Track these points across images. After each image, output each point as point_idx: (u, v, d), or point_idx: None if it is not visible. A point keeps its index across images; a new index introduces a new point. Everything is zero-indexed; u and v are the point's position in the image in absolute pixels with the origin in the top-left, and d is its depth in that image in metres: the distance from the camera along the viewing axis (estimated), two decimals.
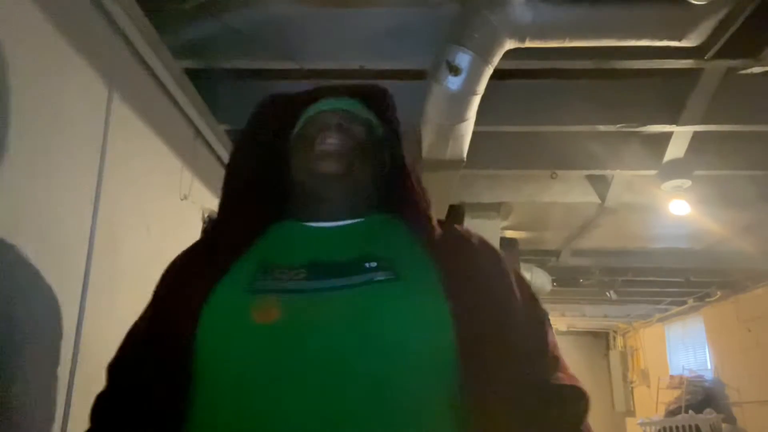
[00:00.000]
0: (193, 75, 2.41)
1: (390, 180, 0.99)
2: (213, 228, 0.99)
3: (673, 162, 3.26)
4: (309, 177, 0.93)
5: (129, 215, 2.04)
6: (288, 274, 0.79)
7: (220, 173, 3.17)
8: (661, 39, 2.11)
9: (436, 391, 0.73)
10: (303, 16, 2.31)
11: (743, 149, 3.25)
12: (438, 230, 0.91)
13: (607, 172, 3.68)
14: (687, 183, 3.34)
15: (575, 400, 0.85)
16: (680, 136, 3.07)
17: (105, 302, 1.85)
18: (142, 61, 2.09)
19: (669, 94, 2.82)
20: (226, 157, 2.91)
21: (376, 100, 1.05)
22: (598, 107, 2.88)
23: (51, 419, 1.60)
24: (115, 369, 0.91)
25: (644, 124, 2.92)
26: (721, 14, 2.03)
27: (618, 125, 2.90)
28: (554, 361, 0.87)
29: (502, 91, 2.75)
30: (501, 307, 0.83)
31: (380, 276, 0.78)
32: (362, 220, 0.92)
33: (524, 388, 0.79)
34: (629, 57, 2.39)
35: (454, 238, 0.92)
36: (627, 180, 3.73)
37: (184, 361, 0.74)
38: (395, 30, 2.31)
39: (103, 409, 0.87)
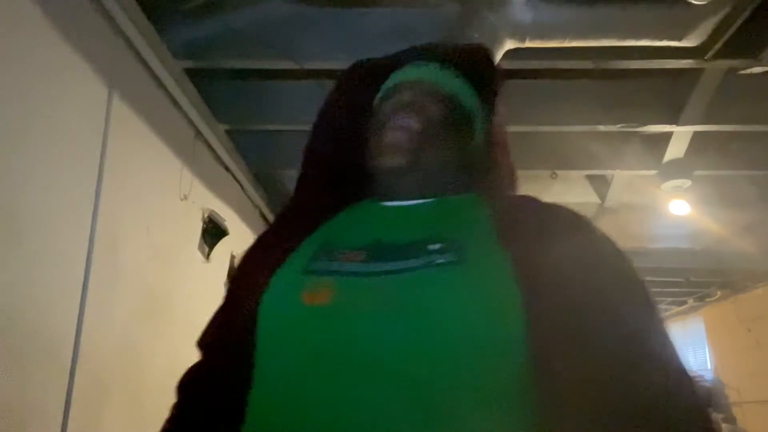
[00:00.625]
0: (193, 75, 2.41)
1: (476, 154, 0.91)
2: (289, 203, 0.94)
3: (673, 162, 3.27)
4: (376, 165, 0.88)
5: (129, 215, 2.04)
6: (347, 255, 0.75)
7: (221, 173, 3.18)
8: (661, 39, 2.11)
9: (494, 391, 0.63)
10: (303, 16, 2.30)
11: (743, 149, 3.25)
12: (517, 208, 0.82)
13: (607, 172, 3.68)
14: (687, 183, 3.34)
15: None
16: (680, 136, 3.07)
17: (105, 302, 1.85)
18: (142, 61, 2.09)
19: (669, 94, 2.82)
20: (226, 157, 2.91)
21: (473, 64, 0.94)
22: (598, 107, 2.88)
23: (51, 419, 1.60)
24: (201, 346, 0.88)
25: (644, 124, 2.92)
26: (721, 14, 2.03)
27: (618, 125, 2.90)
28: (663, 364, 0.68)
29: (503, 92, 2.74)
30: (588, 297, 0.68)
31: (441, 259, 0.71)
32: (434, 199, 0.86)
33: (615, 400, 0.63)
34: (629, 57, 2.39)
35: (534, 214, 0.81)
36: (627, 180, 3.73)
37: (248, 343, 0.72)
38: (395, 30, 2.31)
39: (191, 382, 0.84)
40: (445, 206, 0.85)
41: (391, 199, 0.86)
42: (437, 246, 0.73)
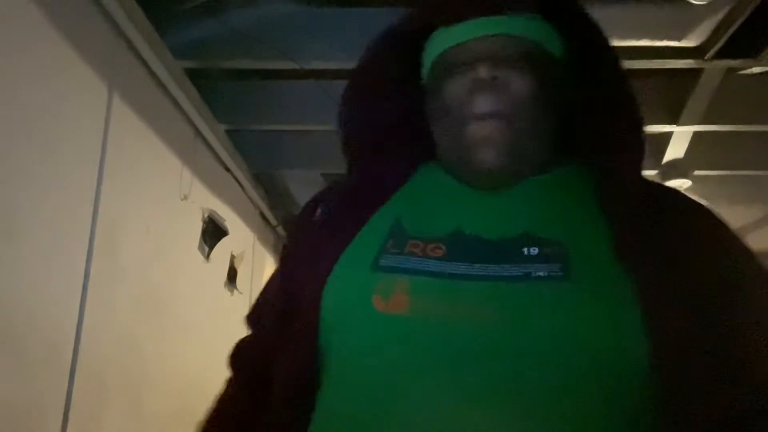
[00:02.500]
0: (193, 75, 2.41)
1: (587, 120, 0.71)
2: (353, 177, 0.78)
3: (673, 162, 3.26)
4: (459, 162, 0.69)
5: (129, 215, 2.04)
6: (423, 248, 0.62)
7: (221, 173, 3.18)
8: (661, 39, 2.11)
9: (612, 427, 0.55)
10: (303, 16, 2.30)
11: (743, 149, 3.25)
12: (641, 205, 0.64)
13: None
14: (687, 183, 3.34)
15: None
16: (680, 136, 3.07)
17: (105, 302, 1.85)
18: (142, 61, 2.09)
19: (669, 94, 2.82)
20: (226, 157, 2.91)
21: (550, 5, 0.70)
22: None
23: (51, 419, 1.60)
24: (252, 321, 0.80)
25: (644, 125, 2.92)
26: (721, 14, 2.03)
27: None
28: None
29: None
30: (719, 313, 0.58)
31: (542, 271, 0.58)
32: (535, 179, 0.68)
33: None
34: (629, 57, 2.38)
35: (655, 203, 0.65)
36: None
37: (312, 332, 0.64)
38: None
39: (245, 353, 0.77)
40: (544, 188, 0.68)
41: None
42: (535, 251, 0.60)
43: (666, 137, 3.11)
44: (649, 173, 3.43)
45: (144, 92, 2.18)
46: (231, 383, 0.77)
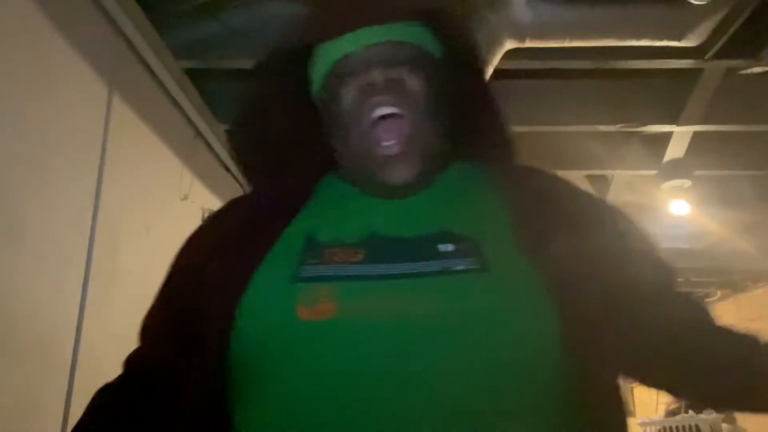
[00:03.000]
0: (193, 75, 2.41)
1: (467, 122, 0.75)
2: (254, 194, 0.78)
3: (673, 162, 3.26)
4: (366, 175, 0.70)
5: (129, 215, 2.04)
6: (341, 255, 0.63)
7: (221, 173, 3.17)
8: (661, 39, 2.11)
9: (530, 412, 0.58)
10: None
11: (743, 149, 3.25)
12: (531, 190, 0.71)
13: (607, 172, 3.67)
14: (687, 183, 3.34)
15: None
16: (680, 136, 3.07)
17: (105, 302, 1.85)
18: (142, 61, 2.09)
19: (669, 94, 2.82)
20: (226, 157, 2.91)
21: (426, 12, 0.74)
22: (598, 107, 2.88)
23: (51, 418, 1.60)
24: (147, 332, 0.78)
25: (644, 124, 2.92)
26: (721, 14, 2.03)
27: (618, 125, 2.90)
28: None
29: (503, 91, 2.74)
30: (619, 288, 0.64)
31: (460, 265, 0.61)
32: (435, 179, 0.72)
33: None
34: (629, 57, 2.38)
35: (554, 200, 0.71)
36: (627, 180, 3.72)
37: (219, 356, 0.63)
38: None
39: (138, 360, 0.76)
40: (448, 186, 0.72)
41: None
42: (450, 248, 0.62)
43: (666, 137, 3.11)
44: (649, 173, 3.45)
45: (144, 92, 2.18)
46: (121, 378, 0.75)
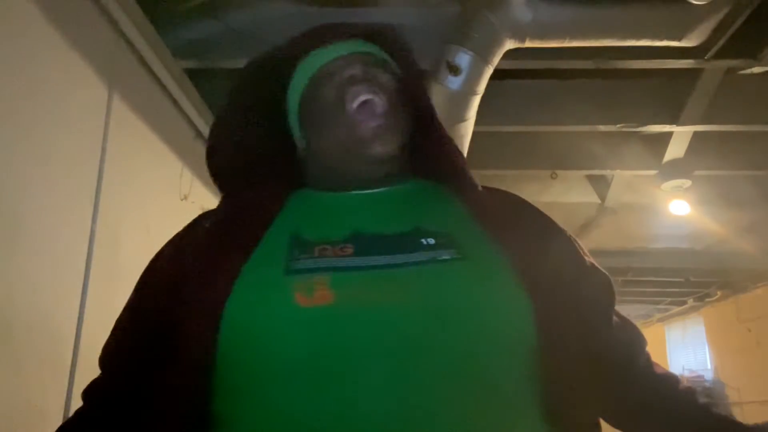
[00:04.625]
0: (193, 75, 2.41)
1: (418, 137, 0.82)
2: (221, 209, 0.81)
3: (673, 162, 3.27)
4: (348, 158, 0.77)
5: (129, 215, 2.04)
6: (331, 250, 0.66)
7: None
8: (661, 39, 2.11)
9: (517, 380, 0.64)
10: (303, 16, 2.31)
11: (743, 149, 3.25)
12: (486, 196, 0.79)
13: (607, 172, 3.68)
14: (687, 183, 3.34)
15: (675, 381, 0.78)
16: (680, 136, 3.07)
17: (105, 302, 1.85)
18: (142, 61, 2.09)
19: (669, 94, 2.82)
20: None
21: (386, 41, 0.85)
22: (598, 107, 2.88)
23: (51, 419, 1.60)
24: (110, 360, 0.78)
25: (644, 124, 2.92)
26: (721, 14, 2.03)
27: (618, 125, 2.90)
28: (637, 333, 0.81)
29: (502, 91, 2.75)
30: (575, 282, 0.74)
31: (444, 255, 0.67)
32: (402, 186, 0.79)
33: (601, 363, 0.71)
34: (629, 57, 2.39)
35: (503, 203, 0.81)
36: (627, 180, 3.73)
37: (202, 360, 0.63)
38: None
39: (98, 394, 0.75)
40: (416, 194, 0.80)
41: (341, 191, 0.77)
42: (432, 241, 0.68)
43: (666, 137, 3.11)
44: (649, 173, 3.46)
45: (144, 92, 2.18)
46: (79, 412, 0.74)
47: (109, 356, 0.78)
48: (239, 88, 0.88)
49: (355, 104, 0.76)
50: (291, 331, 0.61)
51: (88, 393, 0.76)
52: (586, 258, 0.81)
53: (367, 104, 0.76)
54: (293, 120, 0.84)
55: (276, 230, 0.72)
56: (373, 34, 0.85)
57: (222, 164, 0.83)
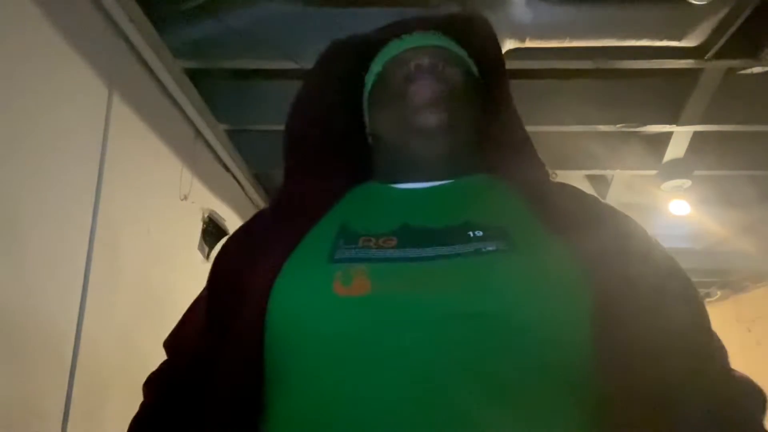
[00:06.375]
0: (193, 75, 2.41)
1: (491, 132, 0.84)
2: (281, 193, 0.83)
3: (673, 162, 3.26)
4: (403, 132, 0.79)
5: (129, 215, 2.04)
6: (375, 242, 0.67)
7: (221, 173, 3.17)
8: (661, 39, 2.11)
9: (566, 379, 0.60)
10: (303, 16, 2.30)
11: (743, 149, 3.25)
12: (553, 191, 0.77)
13: (607, 172, 3.67)
14: (687, 183, 3.34)
15: (754, 395, 0.70)
16: (680, 136, 3.07)
17: (105, 302, 1.85)
18: (142, 61, 2.09)
19: (669, 94, 2.82)
20: (226, 157, 2.91)
21: (468, 33, 0.87)
22: (598, 107, 2.88)
23: (51, 418, 1.60)
24: (174, 347, 0.81)
25: (644, 124, 2.92)
26: (721, 14, 2.03)
27: (618, 125, 2.90)
28: (719, 347, 0.71)
29: None
30: (648, 280, 0.67)
31: (491, 246, 0.64)
32: (460, 180, 0.78)
33: (682, 374, 0.63)
34: (629, 57, 2.38)
35: (571, 200, 0.77)
36: (627, 180, 3.72)
37: (254, 342, 0.64)
38: None
39: (161, 386, 0.78)
40: (474, 188, 0.78)
41: (407, 181, 0.78)
42: (479, 233, 0.66)
43: (666, 137, 3.11)
44: (649, 173, 3.45)
45: (144, 92, 2.18)
46: (145, 405, 0.80)
47: (175, 337, 0.82)
48: (319, 70, 0.90)
49: (415, 88, 0.79)
50: (326, 319, 0.62)
51: (153, 382, 0.80)
52: (666, 260, 0.72)
53: (425, 86, 0.79)
54: (366, 105, 0.87)
55: (328, 220, 0.74)
56: (452, 27, 0.87)
57: (296, 135, 0.86)
